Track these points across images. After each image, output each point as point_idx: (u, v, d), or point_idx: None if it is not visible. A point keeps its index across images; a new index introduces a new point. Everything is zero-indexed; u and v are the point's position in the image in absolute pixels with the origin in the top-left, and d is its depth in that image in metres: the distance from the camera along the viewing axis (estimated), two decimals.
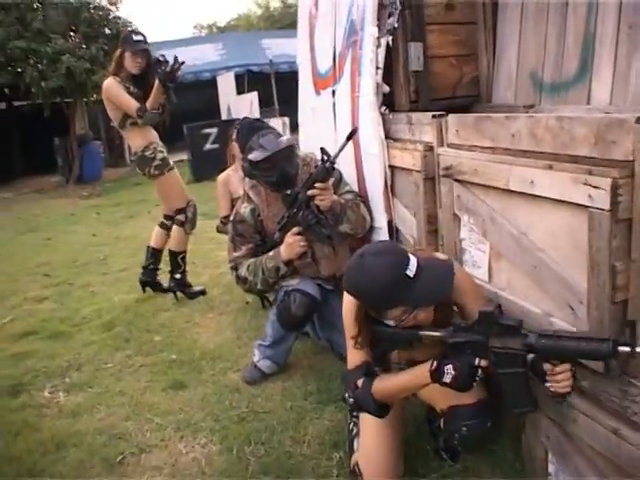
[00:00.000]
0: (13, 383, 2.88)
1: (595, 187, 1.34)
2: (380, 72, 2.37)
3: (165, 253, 3.99)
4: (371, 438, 1.86)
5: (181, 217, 3.82)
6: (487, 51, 2.49)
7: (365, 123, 2.50)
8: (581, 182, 1.38)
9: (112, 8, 11.03)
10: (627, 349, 1.29)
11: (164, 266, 4.05)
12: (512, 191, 1.65)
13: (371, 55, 2.39)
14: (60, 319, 3.76)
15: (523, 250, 1.66)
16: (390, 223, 2.48)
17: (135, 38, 3.57)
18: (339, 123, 2.85)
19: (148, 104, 3.51)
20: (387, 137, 2.42)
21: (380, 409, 1.70)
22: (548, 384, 1.45)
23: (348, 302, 1.71)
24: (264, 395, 2.57)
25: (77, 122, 11.86)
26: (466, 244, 1.96)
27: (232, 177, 3.68)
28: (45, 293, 4.43)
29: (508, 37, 2.42)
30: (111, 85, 3.55)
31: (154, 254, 3.98)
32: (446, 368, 1.53)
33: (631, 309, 1.38)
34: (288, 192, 2.46)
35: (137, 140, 3.71)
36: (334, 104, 2.92)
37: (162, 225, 3.94)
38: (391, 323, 1.59)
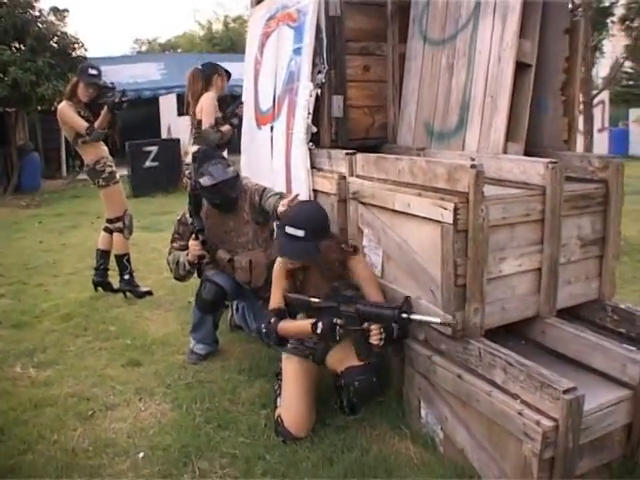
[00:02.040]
0: None
1: (445, 209, 2.05)
2: (310, 116, 3.05)
3: (112, 259, 4.50)
4: (290, 393, 2.46)
5: (119, 224, 4.41)
6: (394, 103, 3.23)
7: (296, 155, 3.17)
8: (437, 205, 2.10)
9: (59, 23, 11.30)
10: (405, 316, 2.09)
11: (113, 270, 4.55)
12: (396, 210, 2.36)
13: (304, 102, 3.07)
14: (21, 311, 4.18)
15: (403, 253, 2.37)
16: None
17: (90, 72, 4.18)
18: (275, 153, 3.49)
19: (96, 124, 4.12)
20: (312, 167, 3.09)
21: (279, 341, 2.43)
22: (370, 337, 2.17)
23: (277, 264, 2.47)
24: (206, 370, 3.14)
25: (17, 132, 11.96)
26: (367, 250, 2.65)
27: (208, 100, 4.09)
28: (0, 291, 4.81)
29: (410, 94, 3.16)
30: (64, 108, 4.15)
31: (102, 255, 4.51)
32: (319, 324, 2.23)
33: (468, 289, 2.09)
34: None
35: (90, 155, 4.29)
36: (272, 138, 3.55)
37: (106, 229, 4.50)
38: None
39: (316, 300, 2.31)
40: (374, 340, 2.15)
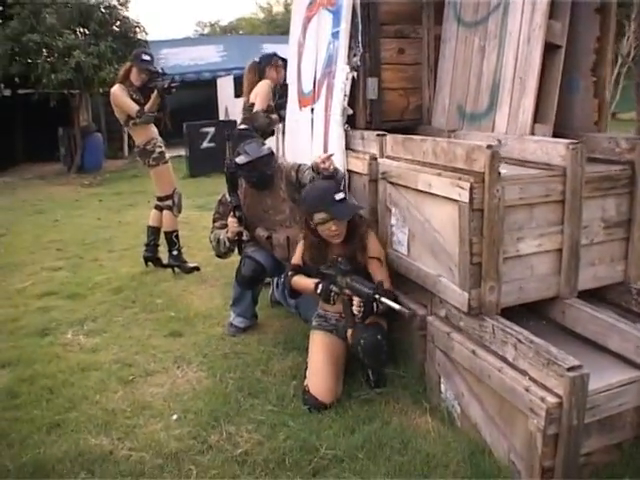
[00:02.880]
0: (41, 328, 3.60)
1: (462, 188, 2.10)
2: (346, 98, 3.12)
3: (162, 235, 4.72)
4: (316, 362, 2.64)
5: (169, 202, 4.61)
6: (429, 86, 3.26)
7: (333, 136, 3.26)
8: (455, 185, 2.14)
9: (121, 8, 11.69)
10: (377, 297, 2.34)
11: (164, 246, 4.77)
12: (420, 190, 2.41)
13: (341, 85, 3.15)
14: (75, 284, 4.47)
15: (426, 232, 2.43)
16: None
17: (144, 57, 4.39)
18: (315, 134, 3.59)
19: (146, 108, 4.33)
20: (347, 148, 3.17)
21: (292, 293, 2.87)
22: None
23: (304, 222, 2.74)
24: (242, 343, 3.30)
25: (81, 114, 12.49)
26: (394, 229, 2.72)
27: (263, 88, 4.25)
28: (59, 264, 5.13)
29: (444, 76, 3.18)
30: (117, 91, 4.35)
31: (153, 232, 4.75)
32: (319, 285, 2.58)
33: (484, 268, 2.14)
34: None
35: (140, 136, 4.50)
36: (312, 119, 3.65)
37: (156, 207, 4.74)
38: (316, 225, 2.57)
39: (322, 268, 2.63)
40: (354, 310, 2.48)
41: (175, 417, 2.55)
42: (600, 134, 2.58)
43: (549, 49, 2.59)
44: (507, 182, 2.09)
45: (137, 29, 11.93)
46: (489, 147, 2.03)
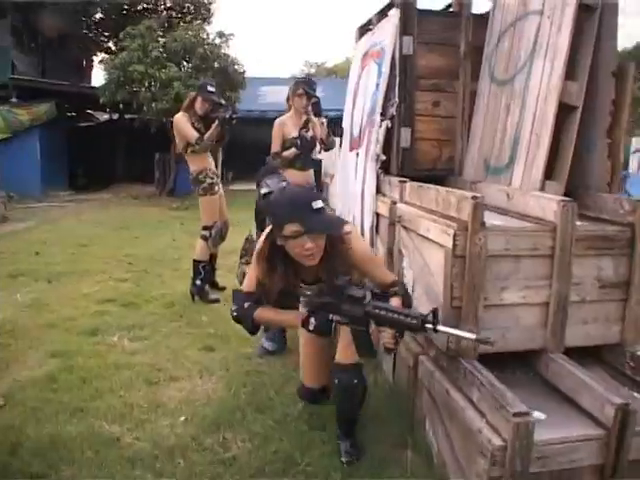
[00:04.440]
0: (92, 328, 4.05)
1: (447, 234, 2.28)
2: (380, 145, 3.38)
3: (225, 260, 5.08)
4: (304, 353, 2.65)
5: (206, 233, 4.80)
6: (462, 138, 3.45)
7: (367, 180, 3.51)
8: (443, 231, 2.33)
9: (223, 46, 12.62)
10: (430, 326, 1.93)
11: (222, 270, 5.15)
12: (422, 235, 2.60)
13: (376, 134, 3.41)
14: (134, 294, 4.94)
15: (424, 274, 2.60)
16: None
17: (209, 89, 4.68)
18: (357, 177, 3.86)
19: (205, 136, 4.58)
20: (378, 192, 3.40)
21: (254, 329, 2.34)
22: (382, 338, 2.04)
23: (261, 242, 2.25)
24: (267, 364, 3.54)
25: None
26: (405, 270, 2.91)
27: (287, 121, 4.32)
28: (126, 276, 5.66)
29: (475, 130, 3.36)
30: (180, 119, 4.65)
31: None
32: (310, 320, 2.13)
33: (463, 312, 2.30)
34: None
35: (195, 164, 4.77)
36: (357, 163, 3.93)
37: (204, 237, 4.85)
38: (285, 240, 2.04)
39: (308, 293, 2.17)
40: (387, 344, 2.02)
41: (182, 418, 2.83)
42: (607, 195, 2.67)
43: (566, 109, 2.73)
44: (492, 232, 2.25)
45: (236, 66, 12.77)
46: (474, 198, 2.21)
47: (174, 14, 16.39)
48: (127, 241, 7.70)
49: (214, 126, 4.58)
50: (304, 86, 4.22)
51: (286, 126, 4.25)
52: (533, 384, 2.41)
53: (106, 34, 17.21)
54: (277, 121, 4.29)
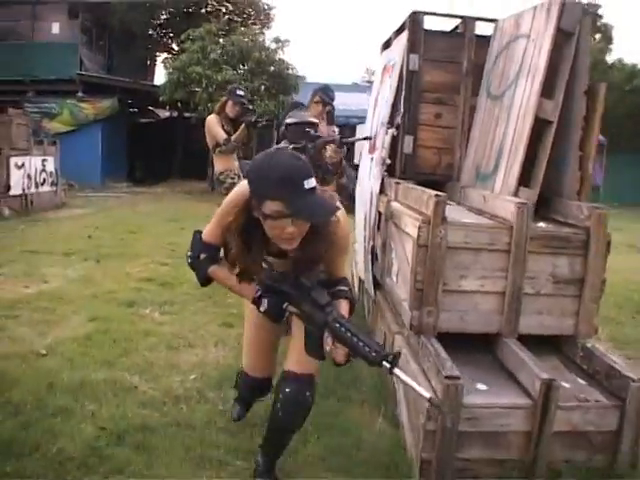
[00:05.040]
0: (129, 300, 4.66)
1: (415, 227, 2.71)
2: (386, 151, 3.81)
3: None
4: (248, 336, 2.43)
5: None
6: (460, 148, 3.83)
7: (374, 181, 3.95)
8: (413, 224, 2.75)
9: (278, 51, 13.25)
10: (388, 366, 1.69)
11: None
12: (402, 229, 3.03)
13: (383, 139, 3.85)
14: (171, 276, 5.53)
15: (403, 264, 3.03)
16: (372, 247, 3.87)
17: (238, 92, 5.18)
18: (371, 177, 4.30)
19: (233, 137, 5.05)
20: (382, 192, 3.83)
21: (206, 282, 2.10)
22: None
23: (240, 192, 1.92)
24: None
25: None
26: (393, 261, 3.33)
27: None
28: (167, 261, 6.28)
29: (472, 140, 3.74)
30: (211, 120, 5.14)
31: None
32: (263, 300, 1.90)
33: (424, 294, 2.70)
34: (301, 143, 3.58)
35: (219, 165, 5.25)
36: (371, 166, 4.37)
37: None
38: (264, 217, 1.75)
39: (271, 273, 1.94)
40: (338, 359, 1.85)
41: (192, 377, 3.35)
42: (573, 202, 3.01)
43: (543, 124, 3.10)
44: (452, 226, 2.66)
45: (291, 70, 13.37)
46: (437, 196, 2.63)
47: (235, 18, 17.21)
48: (174, 231, 8.35)
49: (241, 129, 5.04)
50: (321, 94, 4.63)
51: None
52: (488, 363, 2.80)
53: (170, 35, 18.21)
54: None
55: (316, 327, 1.83)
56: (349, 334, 1.76)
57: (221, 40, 13.55)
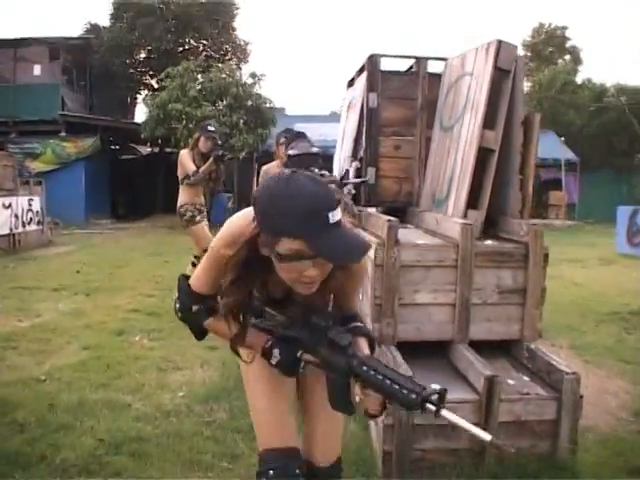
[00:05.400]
0: (119, 329, 5.01)
1: (372, 249, 3.10)
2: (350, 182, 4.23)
3: None
4: (263, 409, 1.82)
5: (196, 261, 5.30)
6: (419, 176, 4.27)
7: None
8: (374, 246, 3.15)
9: (256, 86, 13.81)
10: (432, 408, 1.40)
11: None
12: None
13: (349, 171, 4.28)
14: (157, 306, 5.88)
15: (367, 283, 3.41)
16: None
17: (209, 128, 5.48)
18: None
19: (201, 169, 5.29)
20: None
21: (202, 335, 1.82)
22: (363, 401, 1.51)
23: (243, 221, 1.57)
24: None
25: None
26: None
27: (273, 169, 4.79)
28: (153, 292, 6.63)
29: (429, 169, 4.18)
30: (184, 154, 5.44)
31: None
32: (274, 351, 1.62)
33: (382, 309, 3.09)
34: None
35: (182, 197, 5.48)
36: None
37: (193, 264, 5.36)
38: (278, 258, 1.44)
39: (277, 319, 1.64)
40: (371, 410, 1.53)
41: (181, 394, 3.70)
42: (515, 220, 3.43)
43: (486, 152, 3.53)
44: (404, 247, 3.06)
45: (268, 104, 13.91)
46: (389, 221, 3.04)
47: (212, 54, 17.82)
48: (158, 264, 8.71)
49: (208, 162, 5.32)
50: (285, 135, 4.88)
51: (268, 174, 4.90)
52: (443, 367, 3.18)
53: (150, 73, 18.76)
54: (263, 168, 5.00)
55: (340, 375, 1.52)
56: (380, 377, 1.45)
57: (199, 77, 14.10)
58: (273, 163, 5.18)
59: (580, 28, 50.64)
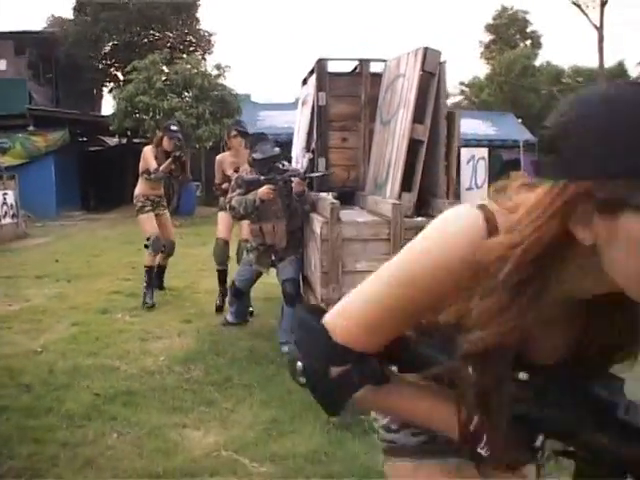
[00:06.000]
0: (103, 308, 5.65)
1: (319, 227, 3.77)
2: (304, 170, 4.88)
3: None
4: None
5: (147, 243, 5.91)
6: (364, 164, 4.93)
7: None
8: (318, 225, 3.81)
9: (219, 77, 14.32)
10: None
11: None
12: (313, 229, 4.09)
13: (303, 161, 4.93)
14: (135, 288, 6.46)
15: (317, 256, 4.09)
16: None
17: (172, 128, 5.92)
18: None
19: (161, 168, 5.70)
20: None
21: (338, 411, 1.02)
22: None
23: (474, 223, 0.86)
24: (228, 330, 5.04)
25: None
26: (311, 256, 4.38)
27: (227, 159, 5.63)
28: (129, 277, 7.23)
29: (372, 158, 4.85)
30: (147, 150, 5.86)
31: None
32: (539, 439, 0.88)
33: (328, 276, 3.76)
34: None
35: (138, 188, 6.00)
36: None
37: (145, 246, 5.99)
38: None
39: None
40: None
41: (162, 358, 4.34)
42: (440, 200, 4.12)
43: (416, 143, 4.20)
44: (345, 224, 3.74)
45: (232, 95, 14.44)
46: (332, 203, 3.70)
47: (178, 45, 18.23)
48: (132, 252, 9.26)
49: (168, 161, 5.73)
50: (237, 127, 5.58)
51: (223, 164, 5.65)
52: None
53: (115, 65, 19.09)
54: (217, 158, 5.66)
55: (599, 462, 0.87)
56: None
57: (165, 69, 14.54)
58: (226, 153, 5.76)
59: (539, 12, 51.86)
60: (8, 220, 11.04)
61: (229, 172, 5.47)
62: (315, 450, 3.02)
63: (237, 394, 3.74)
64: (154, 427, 3.29)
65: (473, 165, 16.10)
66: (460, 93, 28.94)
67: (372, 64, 5.04)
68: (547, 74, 22.60)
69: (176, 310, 5.68)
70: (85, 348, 4.50)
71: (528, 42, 28.66)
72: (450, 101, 28.33)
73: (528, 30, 29.31)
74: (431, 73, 4.20)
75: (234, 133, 5.55)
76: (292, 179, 4.50)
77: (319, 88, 4.84)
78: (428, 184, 4.28)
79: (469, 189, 15.93)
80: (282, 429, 3.28)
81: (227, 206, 4.65)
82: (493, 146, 19.00)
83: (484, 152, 16.40)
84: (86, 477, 2.82)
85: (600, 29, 5.69)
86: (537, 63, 24.18)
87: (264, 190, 4.41)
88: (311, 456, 2.96)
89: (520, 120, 20.59)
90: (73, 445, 3.10)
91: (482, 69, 38.43)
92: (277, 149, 4.64)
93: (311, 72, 5.23)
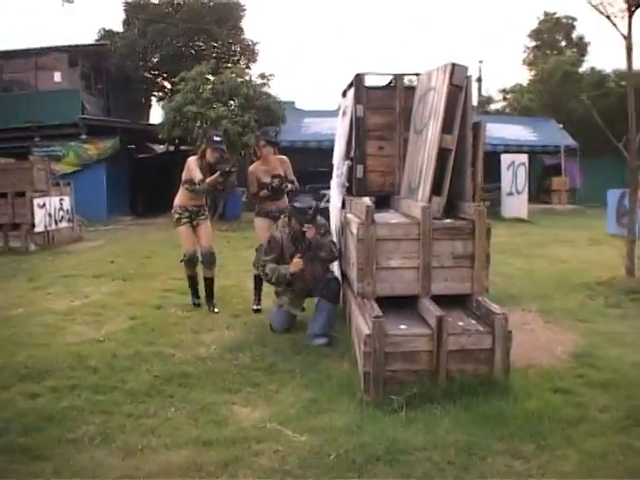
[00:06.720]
0: (158, 304, 6.27)
1: (356, 227, 4.21)
2: (344, 177, 5.34)
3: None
4: None
5: (182, 257, 6.17)
6: (399, 170, 5.35)
7: (336, 199, 5.48)
8: (355, 226, 4.25)
9: (264, 86, 14.92)
10: None
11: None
12: (351, 231, 4.53)
13: (342, 169, 5.39)
14: (187, 287, 6.94)
15: (351, 253, 4.52)
16: (339, 248, 5.38)
17: (215, 139, 5.89)
18: (336, 199, 5.82)
19: (207, 181, 5.65)
20: (344, 207, 5.34)
21: None
22: None
23: None
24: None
25: None
26: (349, 254, 4.82)
27: (258, 167, 5.96)
28: (181, 277, 7.69)
29: (406, 165, 5.27)
30: (192, 160, 5.89)
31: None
32: None
33: (364, 272, 4.19)
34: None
35: (178, 199, 6.06)
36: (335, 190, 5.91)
37: (182, 261, 6.20)
38: None
39: None
40: None
41: (213, 347, 4.85)
42: (466, 203, 4.50)
43: (445, 151, 4.61)
44: (379, 225, 4.16)
45: (277, 103, 15.02)
46: (367, 206, 4.14)
47: (223, 55, 18.98)
48: (181, 255, 9.85)
49: (215, 175, 5.65)
50: (264, 137, 5.95)
51: (254, 175, 5.97)
52: (411, 314, 4.27)
53: (163, 75, 19.96)
54: (250, 169, 6.03)
55: None
56: None
57: (211, 78, 15.24)
58: (257, 163, 6.07)
59: (585, 17, 51.12)
60: (65, 224, 11.85)
61: (265, 180, 5.86)
62: (349, 424, 3.46)
63: (281, 378, 4.20)
64: (207, 404, 3.78)
65: (513, 171, 16.40)
66: (502, 100, 29.04)
67: (407, 78, 5.46)
68: (590, 79, 22.51)
69: (225, 306, 6.19)
70: (143, 338, 5.04)
71: (574, 49, 28.51)
72: (493, 106, 28.51)
73: (574, 35, 29.16)
74: (459, 87, 4.59)
75: (263, 143, 5.86)
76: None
77: (357, 101, 5.30)
78: (456, 189, 4.67)
79: (510, 194, 16.23)
80: (320, 407, 3.73)
81: (261, 271, 5.24)
82: (534, 152, 19.16)
83: (524, 158, 16.69)
84: (150, 442, 3.31)
85: (629, 38, 5.91)
86: (582, 69, 24.08)
87: (295, 265, 4.92)
88: (345, 429, 3.40)
89: (561, 126, 20.60)
90: (137, 416, 3.61)
91: (524, 75, 38.25)
92: (313, 202, 4.99)
93: (350, 85, 5.69)
